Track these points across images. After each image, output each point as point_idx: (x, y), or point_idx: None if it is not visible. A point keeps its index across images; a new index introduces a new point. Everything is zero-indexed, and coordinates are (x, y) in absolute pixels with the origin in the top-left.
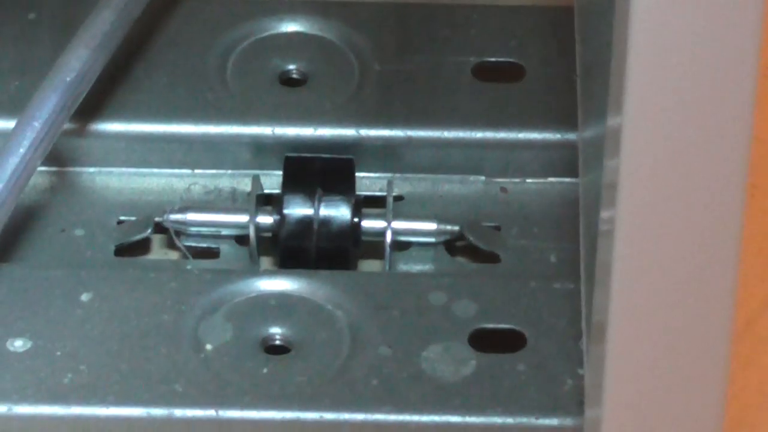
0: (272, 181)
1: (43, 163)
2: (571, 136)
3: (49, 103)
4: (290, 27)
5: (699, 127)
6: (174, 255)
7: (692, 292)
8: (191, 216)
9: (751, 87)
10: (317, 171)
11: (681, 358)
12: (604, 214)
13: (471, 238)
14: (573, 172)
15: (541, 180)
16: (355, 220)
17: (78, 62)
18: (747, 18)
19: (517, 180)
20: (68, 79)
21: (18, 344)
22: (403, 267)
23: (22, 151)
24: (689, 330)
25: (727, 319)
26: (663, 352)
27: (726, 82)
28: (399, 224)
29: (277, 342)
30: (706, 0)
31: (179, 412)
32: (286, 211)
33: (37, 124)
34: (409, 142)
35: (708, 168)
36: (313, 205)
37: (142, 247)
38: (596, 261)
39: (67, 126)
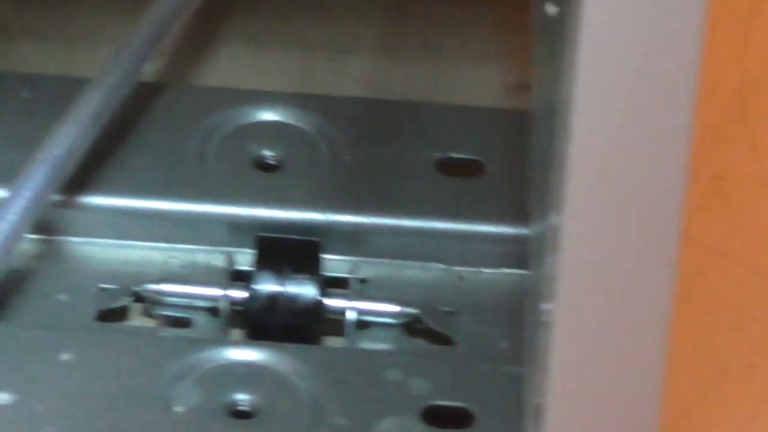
0: (244, 258)
1: (33, 232)
2: (524, 230)
3: (38, 174)
4: (269, 116)
5: (630, 230)
6: (151, 322)
7: (623, 381)
8: (167, 287)
9: (680, 194)
10: (286, 251)
11: None
12: (544, 306)
13: (428, 322)
14: (526, 264)
15: (496, 270)
16: (319, 298)
17: (66, 138)
18: (676, 135)
19: (473, 269)
20: (57, 153)
21: (1, 397)
22: (364, 345)
23: (11, 218)
24: (622, 415)
25: (655, 414)
26: None
27: (655, 189)
28: (362, 304)
29: (243, 408)
30: (640, 105)
31: None
32: (256, 287)
33: (26, 194)
34: (374, 228)
35: (639, 270)
36: (281, 283)
37: (121, 313)
38: (537, 349)
39: (55, 198)
